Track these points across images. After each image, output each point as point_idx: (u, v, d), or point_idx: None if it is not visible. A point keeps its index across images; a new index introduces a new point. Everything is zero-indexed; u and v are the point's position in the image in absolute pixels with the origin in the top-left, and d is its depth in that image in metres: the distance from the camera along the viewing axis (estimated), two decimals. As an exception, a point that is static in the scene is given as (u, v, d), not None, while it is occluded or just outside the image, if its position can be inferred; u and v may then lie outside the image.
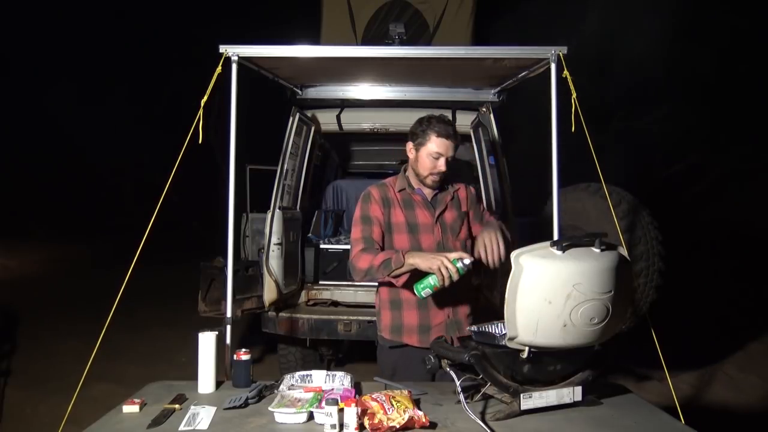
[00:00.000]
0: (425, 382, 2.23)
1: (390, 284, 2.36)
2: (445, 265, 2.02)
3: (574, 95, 2.76)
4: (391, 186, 2.41)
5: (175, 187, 2.87)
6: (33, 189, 15.82)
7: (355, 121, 4.66)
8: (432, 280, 2.07)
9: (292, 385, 2.10)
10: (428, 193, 2.41)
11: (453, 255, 2.06)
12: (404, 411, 1.74)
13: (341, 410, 1.70)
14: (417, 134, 2.32)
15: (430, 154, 2.28)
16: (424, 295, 2.11)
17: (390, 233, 2.36)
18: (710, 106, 8.71)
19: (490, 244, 2.23)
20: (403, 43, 3.88)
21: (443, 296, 2.29)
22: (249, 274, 3.93)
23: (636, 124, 9.23)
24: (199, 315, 3.88)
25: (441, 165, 2.27)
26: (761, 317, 6.07)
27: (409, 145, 2.37)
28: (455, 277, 2.04)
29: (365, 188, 2.44)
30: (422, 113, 4.50)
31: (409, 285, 2.24)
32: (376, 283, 2.49)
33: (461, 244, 2.41)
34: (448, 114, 4.57)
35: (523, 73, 3.45)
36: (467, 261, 2.06)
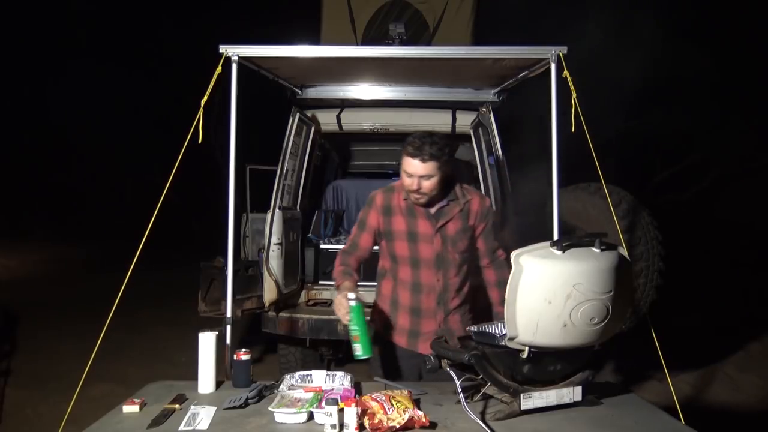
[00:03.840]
0: (411, 381, 2.25)
1: (391, 281, 2.41)
2: (341, 313, 2.09)
3: (574, 95, 2.76)
4: (399, 192, 2.36)
5: (175, 187, 2.87)
6: (33, 189, 15.83)
7: (355, 121, 4.66)
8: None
9: (292, 385, 2.10)
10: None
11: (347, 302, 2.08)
12: (404, 411, 1.74)
13: (341, 410, 1.70)
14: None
15: (403, 171, 2.23)
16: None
17: (391, 240, 2.37)
18: (710, 106, 8.71)
19: None
20: (403, 43, 3.88)
21: (436, 306, 2.35)
22: (249, 274, 3.93)
23: (636, 124, 9.23)
24: (199, 315, 3.88)
25: (414, 184, 2.19)
26: (761, 317, 6.07)
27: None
28: (345, 319, 2.07)
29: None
30: (422, 113, 4.57)
31: (405, 288, 2.37)
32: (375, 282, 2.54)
33: (461, 256, 2.35)
34: (448, 114, 4.58)
35: (523, 73, 3.44)
36: (351, 295, 2.06)
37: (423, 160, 2.16)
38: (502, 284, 2.17)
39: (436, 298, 2.34)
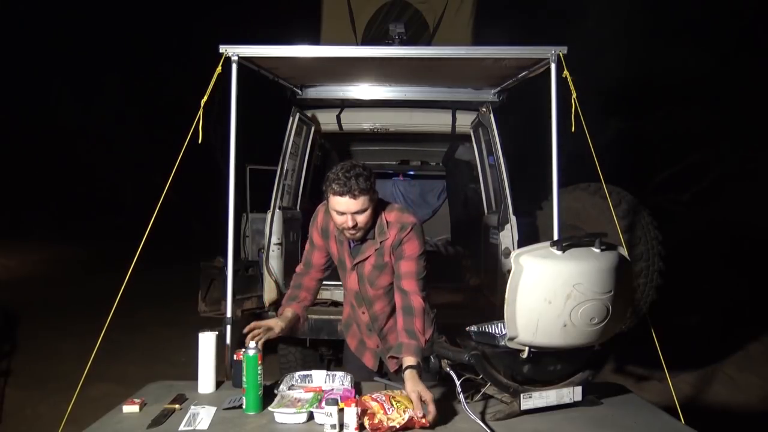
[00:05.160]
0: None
1: (354, 284, 2.30)
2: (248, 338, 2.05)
3: (574, 95, 2.76)
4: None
5: (175, 187, 2.87)
6: (33, 189, 15.82)
7: (355, 121, 4.66)
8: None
9: (292, 385, 2.11)
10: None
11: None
12: (404, 411, 1.74)
13: (341, 410, 1.70)
14: (324, 187, 2.11)
15: (333, 210, 2.07)
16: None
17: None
18: (710, 106, 8.71)
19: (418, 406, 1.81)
20: (403, 43, 3.89)
21: (368, 332, 2.34)
22: (249, 274, 3.93)
23: (636, 124, 9.23)
24: (199, 315, 3.88)
25: (349, 221, 2.03)
26: (761, 317, 6.07)
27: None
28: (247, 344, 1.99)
29: None
30: (422, 113, 4.56)
31: (347, 304, 2.39)
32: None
33: (383, 290, 2.24)
34: (448, 114, 4.57)
35: (523, 73, 3.45)
36: (252, 344, 1.96)
37: (354, 197, 2.00)
38: (407, 310, 2.08)
39: (366, 326, 2.34)
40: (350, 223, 2.04)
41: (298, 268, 2.39)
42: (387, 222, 2.15)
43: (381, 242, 2.15)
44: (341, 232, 2.15)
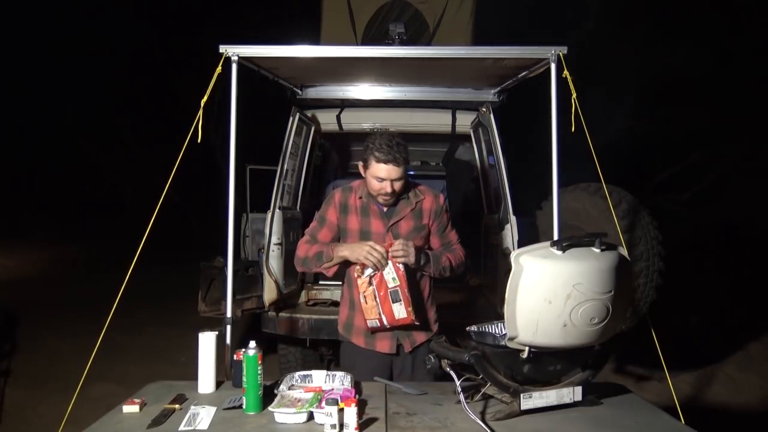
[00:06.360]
0: (369, 381, 2.25)
1: (351, 284, 2.43)
2: (369, 252, 2.19)
3: (574, 95, 2.76)
4: (356, 191, 2.44)
5: (175, 187, 2.87)
6: (33, 189, 15.83)
7: (355, 121, 4.66)
8: (366, 270, 2.23)
9: (292, 385, 2.11)
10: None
11: (379, 247, 2.20)
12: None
13: (341, 410, 1.70)
14: (363, 155, 2.33)
15: (374, 177, 2.29)
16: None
17: (344, 237, 2.44)
18: (710, 106, 8.70)
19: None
20: (403, 43, 3.88)
21: None
22: (249, 274, 3.93)
23: (636, 124, 9.22)
24: (199, 315, 3.88)
25: (386, 187, 2.27)
26: (761, 317, 6.07)
27: (361, 165, 2.37)
28: (381, 263, 2.19)
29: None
30: (422, 113, 4.57)
31: (347, 281, 2.47)
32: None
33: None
34: (448, 114, 4.57)
35: (523, 73, 3.44)
36: (252, 344, 1.97)
37: (397, 164, 2.24)
38: (448, 249, 2.45)
39: None
40: (389, 189, 2.26)
41: (304, 239, 2.48)
42: (417, 189, 2.42)
43: (416, 203, 2.40)
44: (370, 201, 2.37)
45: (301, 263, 2.45)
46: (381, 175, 2.25)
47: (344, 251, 2.30)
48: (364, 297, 2.25)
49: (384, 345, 2.41)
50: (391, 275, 2.22)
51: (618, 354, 5.04)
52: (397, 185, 2.29)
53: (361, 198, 2.41)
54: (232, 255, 2.87)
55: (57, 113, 15.27)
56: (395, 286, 2.22)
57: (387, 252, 2.22)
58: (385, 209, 2.40)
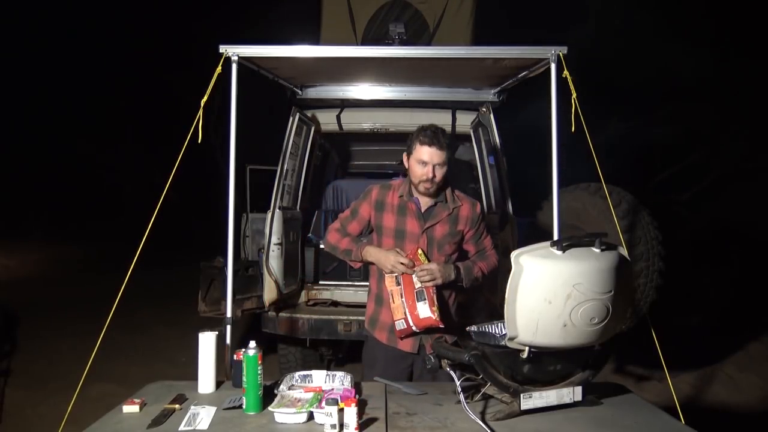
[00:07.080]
0: (391, 380, 2.24)
1: (376, 276, 2.47)
2: (394, 266, 2.25)
3: (574, 95, 2.76)
4: (395, 189, 2.47)
5: (175, 187, 2.87)
6: (33, 189, 15.82)
7: (355, 121, 4.66)
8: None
9: (292, 385, 2.11)
10: (425, 203, 2.43)
11: (405, 259, 2.25)
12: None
13: (341, 410, 1.70)
14: (409, 144, 2.40)
15: (417, 162, 2.33)
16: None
17: (379, 235, 2.46)
18: (710, 106, 8.70)
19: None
20: (403, 43, 3.88)
21: None
22: (249, 274, 3.93)
23: (636, 124, 9.22)
24: (199, 315, 3.88)
25: (428, 172, 2.30)
26: (761, 317, 6.07)
27: (405, 155, 2.43)
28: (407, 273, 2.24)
29: (365, 188, 2.52)
30: (422, 113, 4.57)
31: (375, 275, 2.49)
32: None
33: (446, 258, 2.42)
34: (448, 114, 4.57)
35: (523, 73, 3.44)
36: (252, 344, 1.96)
37: (440, 148, 2.30)
38: (481, 257, 2.49)
39: None
40: (430, 174, 2.30)
41: (335, 225, 2.57)
42: (455, 195, 2.46)
43: (453, 209, 2.42)
44: (409, 200, 2.39)
45: (330, 248, 2.55)
46: (424, 158, 2.30)
47: (372, 257, 2.36)
48: (391, 295, 2.28)
49: (406, 343, 2.41)
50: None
51: (618, 354, 5.04)
52: (439, 173, 2.32)
53: (401, 196, 2.43)
54: (232, 255, 2.87)
55: (57, 113, 15.25)
56: (421, 287, 2.24)
57: (413, 261, 2.26)
58: (423, 209, 2.41)
